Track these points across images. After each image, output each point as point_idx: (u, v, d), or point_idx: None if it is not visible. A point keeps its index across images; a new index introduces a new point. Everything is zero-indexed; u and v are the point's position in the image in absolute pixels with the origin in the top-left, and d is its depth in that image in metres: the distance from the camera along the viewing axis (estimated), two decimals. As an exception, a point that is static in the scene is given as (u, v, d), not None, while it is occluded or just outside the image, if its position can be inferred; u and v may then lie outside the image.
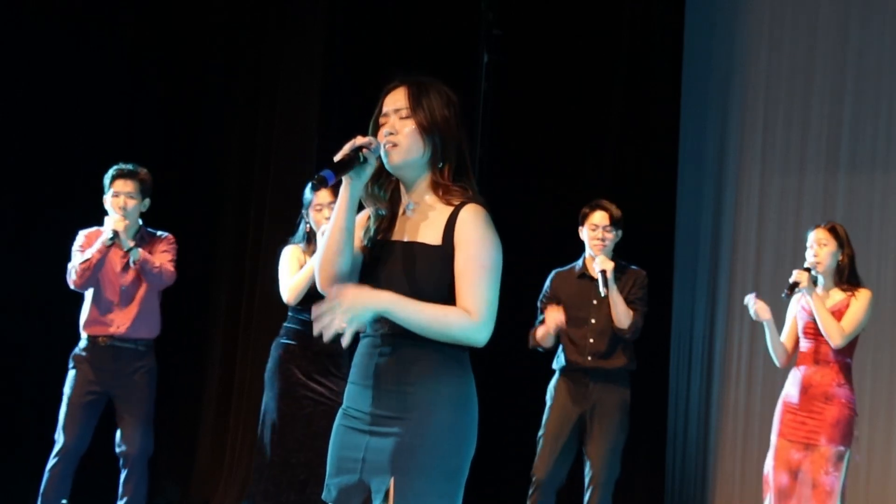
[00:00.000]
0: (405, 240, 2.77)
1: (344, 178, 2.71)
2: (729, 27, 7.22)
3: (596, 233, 5.36)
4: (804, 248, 5.26)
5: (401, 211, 2.83)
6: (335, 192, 5.21)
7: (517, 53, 6.73)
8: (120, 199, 5.26)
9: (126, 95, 6.87)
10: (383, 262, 2.78)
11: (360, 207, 2.83)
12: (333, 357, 5.01)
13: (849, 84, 6.89)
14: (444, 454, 2.70)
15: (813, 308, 5.04)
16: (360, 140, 2.70)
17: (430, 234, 2.73)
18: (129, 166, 5.34)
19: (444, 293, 2.70)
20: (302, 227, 5.10)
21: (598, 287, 5.28)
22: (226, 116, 7.05)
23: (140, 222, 5.39)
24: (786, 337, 5.29)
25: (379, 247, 2.80)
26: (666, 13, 7.02)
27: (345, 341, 2.62)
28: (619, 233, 5.42)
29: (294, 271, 4.96)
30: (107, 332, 5.25)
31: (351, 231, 2.75)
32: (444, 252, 2.71)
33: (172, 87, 6.95)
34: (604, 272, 5.24)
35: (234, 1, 7.06)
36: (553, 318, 5.25)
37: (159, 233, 5.44)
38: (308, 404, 4.94)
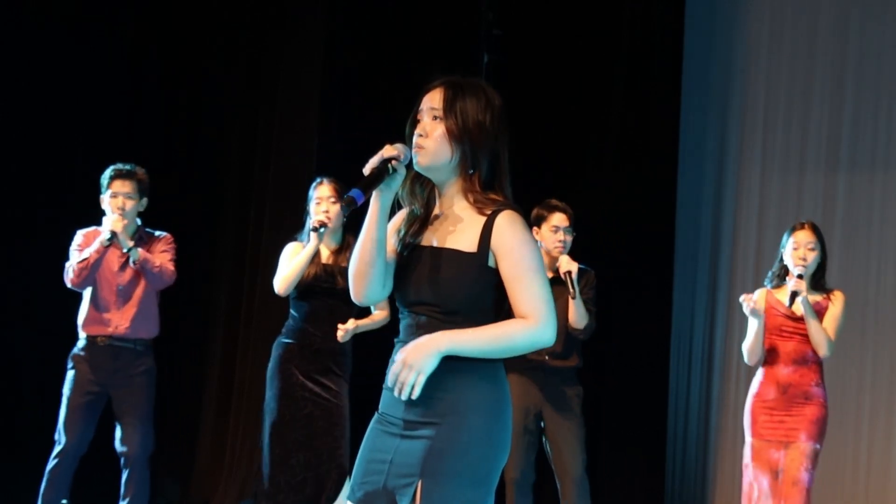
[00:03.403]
0: (434, 244, 2.74)
1: (374, 191, 2.69)
2: (729, 27, 7.22)
3: (557, 234, 5.32)
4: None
5: (433, 214, 2.80)
6: (335, 185, 5.23)
7: (517, 53, 6.73)
8: (118, 200, 5.24)
9: (126, 95, 6.87)
10: (412, 266, 2.75)
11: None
12: (335, 355, 5.03)
13: (849, 84, 6.89)
14: (475, 460, 2.67)
15: (807, 320, 5.00)
16: (387, 152, 2.68)
17: (463, 240, 2.70)
18: (128, 166, 5.32)
19: (476, 299, 2.69)
20: (307, 223, 5.13)
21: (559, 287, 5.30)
22: (226, 116, 7.05)
23: (139, 222, 5.38)
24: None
25: (408, 250, 2.78)
26: (666, 13, 7.02)
27: (415, 394, 2.62)
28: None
29: (286, 262, 5.01)
30: (105, 331, 5.24)
31: (383, 242, 2.73)
32: (480, 260, 2.68)
33: (172, 87, 6.95)
34: (569, 273, 5.24)
35: (235, 1, 7.06)
36: None
37: (157, 233, 5.42)
38: (307, 405, 4.95)
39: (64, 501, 5.31)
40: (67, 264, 5.23)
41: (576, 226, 5.41)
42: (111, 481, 5.37)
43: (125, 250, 5.22)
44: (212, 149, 7.05)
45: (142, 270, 5.26)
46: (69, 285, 5.24)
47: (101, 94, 6.72)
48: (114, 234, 5.14)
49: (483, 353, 2.66)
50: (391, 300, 2.91)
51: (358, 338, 5.15)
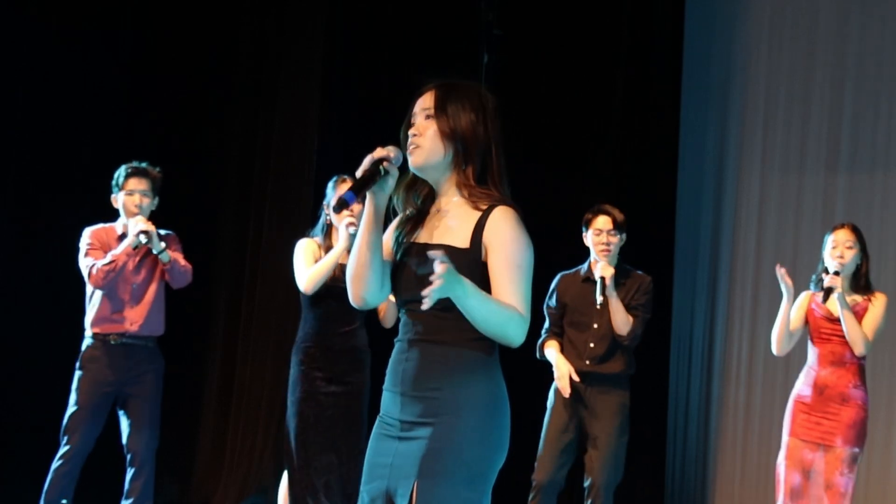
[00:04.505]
0: (429, 241, 2.76)
1: (367, 193, 2.71)
2: (729, 27, 7.22)
3: (600, 237, 5.34)
4: (804, 248, 5.26)
5: (430, 212, 2.83)
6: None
7: (517, 53, 6.73)
8: (135, 198, 5.20)
9: (127, 96, 6.87)
10: (407, 264, 2.77)
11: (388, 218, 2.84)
12: (356, 353, 5.02)
13: (849, 84, 6.89)
14: (470, 460, 2.67)
15: (842, 314, 4.98)
16: (379, 153, 2.69)
17: (456, 236, 2.72)
18: (143, 164, 5.29)
19: None
20: (322, 220, 5.10)
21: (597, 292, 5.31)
22: (226, 117, 7.05)
23: None
24: (792, 323, 5.22)
25: (405, 248, 2.80)
26: (666, 13, 7.02)
27: (425, 305, 2.54)
28: (623, 236, 5.41)
29: (310, 263, 4.95)
30: (119, 329, 5.19)
31: (378, 244, 2.76)
32: (472, 255, 2.69)
33: (173, 88, 6.94)
34: (603, 279, 5.24)
35: (235, 2, 7.06)
36: (563, 373, 5.21)
37: (163, 231, 5.38)
38: (329, 407, 4.94)
39: (64, 501, 5.31)
40: (85, 264, 5.15)
41: (622, 230, 5.38)
42: (113, 480, 5.35)
43: (156, 252, 5.18)
44: (212, 149, 7.05)
45: (171, 271, 5.24)
46: (92, 286, 5.16)
47: (103, 96, 6.72)
48: (148, 237, 5.10)
49: (479, 318, 2.61)
50: None
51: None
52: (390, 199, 2.78)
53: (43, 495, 5.17)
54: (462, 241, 2.71)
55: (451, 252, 2.69)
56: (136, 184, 5.22)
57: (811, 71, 6.99)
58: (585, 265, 5.46)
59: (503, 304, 2.64)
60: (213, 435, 6.95)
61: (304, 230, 5.22)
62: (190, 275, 5.33)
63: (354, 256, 2.77)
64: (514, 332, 2.66)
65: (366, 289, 2.78)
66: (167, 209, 6.81)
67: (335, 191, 5.05)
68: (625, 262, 5.46)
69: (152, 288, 5.29)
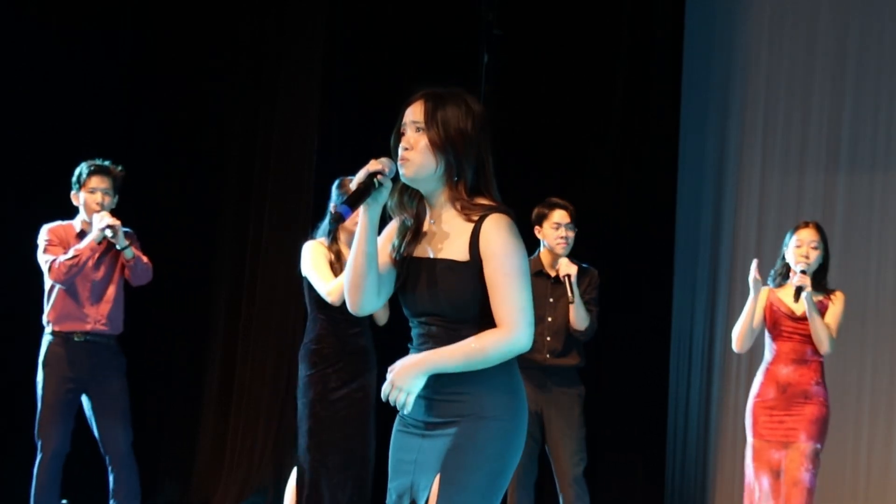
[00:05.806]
0: (431, 256, 2.81)
1: (362, 206, 2.77)
2: (729, 27, 7.22)
3: (559, 231, 5.33)
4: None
5: (425, 224, 2.86)
6: None
7: (517, 53, 6.73)
8: (97, 196, 5.17)
9: (127, 96, 6.87)
10: (412, 279, 2.83)
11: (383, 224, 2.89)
12: (366, 354, 5.04)
13: (849, 84, 6.89)
14: (492, 455, 2.75)
15: (809, 313, 5.00)
16: (373, 166, 2.75)
17: (455, 249, 2.77)
18: (105, 162, 5.26)
19: (479, 306, 2.76)
20: (327, 221, 5.06)
21: (551, 286, 5.31)
22: (226, 117, 7.05)
23: None
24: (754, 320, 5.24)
25: (408, 264, 2.85)
26: (666, 13, 7.02)
27: (407, 409, 2.75)
28: (575, 230, 5.43)
29: (326, 269, 4.87)
30: (83, 327, 5.16)
31: (374, 255, 2.81)
32: (473, 267, 2.75)
33: (173, 88, 6.95)
34: (568, 276, 5.24)
35: (235, 2, 7.06)
36: None
37: (124, 229, 5.31)
38: (343, 406, 4.94)
39: (64, 502, 5.30)
40: (49, 260, 5.13)
41: (576, 225, 5.41)
42: (104, 479, 5.34)
43: (119, 247, 5.16)
44: (212, 149, 7.05)
45: (133, 267, 5.21)
46: (53, 281, 5.14)
47: (103, 95, 6.72)
48: (113, 232, 5.09)
49: (463, 368, 2.74)
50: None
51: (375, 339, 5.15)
52: (384, 207, 2.83)
53: (31, 501, 5.13)
54: (461, 254, 2.76)
55: (454, 266, 2.76)
56: (99, 182, 5.20)
57: (811, 71, 6.99)
58: (533, 257, 5.43)
59: (474, 341, 2.72)
60: (213, 435, 6.95)
61: (305, 230, 5.22)
62: (151, 272, 5.30)
63: (351, 267, 2.83)
64: (503, 353, 2.74)
65: (363, 297, 2.85)
66: (167, 209, 6.84)
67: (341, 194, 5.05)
68: (572, 257, 5.45)
69: (113, 285, 5.26)
